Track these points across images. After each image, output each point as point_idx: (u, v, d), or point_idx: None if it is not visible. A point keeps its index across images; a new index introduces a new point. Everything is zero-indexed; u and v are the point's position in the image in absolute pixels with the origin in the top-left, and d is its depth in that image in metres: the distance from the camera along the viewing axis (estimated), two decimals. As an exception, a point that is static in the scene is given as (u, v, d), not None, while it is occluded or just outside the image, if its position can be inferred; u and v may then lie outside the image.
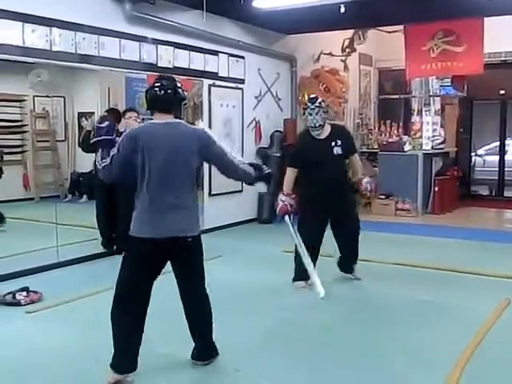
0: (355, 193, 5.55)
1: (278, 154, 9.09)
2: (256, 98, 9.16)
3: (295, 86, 9.98)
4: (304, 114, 5.34)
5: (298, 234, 4.93)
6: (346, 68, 11.29)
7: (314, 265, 4.96)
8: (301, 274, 5.23)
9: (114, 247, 6.63)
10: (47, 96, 9.07)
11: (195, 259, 3.51)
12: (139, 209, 3.34)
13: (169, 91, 3.38)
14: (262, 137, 9.27)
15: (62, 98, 9.34)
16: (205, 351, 3.64)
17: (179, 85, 3.46)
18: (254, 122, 9.14)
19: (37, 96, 8.99)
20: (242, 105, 8.82)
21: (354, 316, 4.71)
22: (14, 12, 5.59)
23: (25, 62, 6.06)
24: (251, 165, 3.70)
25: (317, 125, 5.24)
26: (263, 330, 4.32)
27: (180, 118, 3.46)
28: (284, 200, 5.13)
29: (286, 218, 5.02)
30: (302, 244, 4.87)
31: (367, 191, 5.62)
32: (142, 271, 3.34)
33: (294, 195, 5.26)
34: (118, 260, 3.43)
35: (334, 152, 5.27)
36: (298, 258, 5.21)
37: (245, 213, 8.88)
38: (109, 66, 6.68)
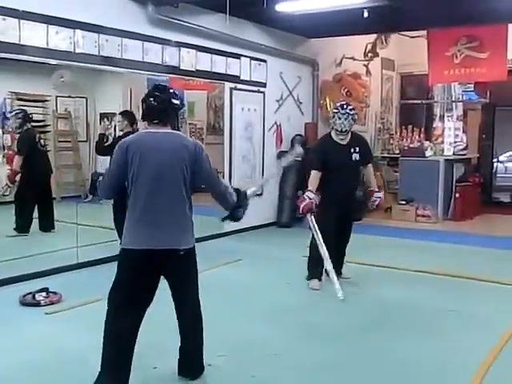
0: (363, 201, 5.66)
1: (299, 158, 9.05)
2: (277, 101, 9.15)
3: (317, 89, 9.96)
4: (333, 117, 5.40)
5: (319, 233, 5.19)
6: (368, 72, 11.25)
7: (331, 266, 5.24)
8: (315, 273, 5.46)
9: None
10: (70, 96, 9.17)
11: (187, 273, 3.39)
12: (130, 221, 3.30)
13: (164, 102, 3.30)
14: (283, 140, 9.26)
15: (85, 99, 9.43)
16: (190, 367, 3.50)
17: (175, 94, 3.40)
18: (275, 126, 9.13)
19: (59, 96, 9.08)
20: (263, 108, 8.82)
21: (371, 323, 4.66)
22: (38, 14, 5.63)
23: (48, 63, 6.10)
24: (235, 190, 3.55)
25: (343, 130, 5.37)
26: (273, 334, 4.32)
27: (177, 129, 3.41)
28: (311, 198, 5.26)
29: (308, 215, 5.25)
30: (323, 243, 5.14)
31: (374, 204, 5.66)
32: (134, 284, 3.25)
33: (318, 194, 5.37)
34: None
35: (353, 158, 5.45)
36: (312, 256, 5.50)
37: (265, 216, 8.86)
38: (131, 68, 6.70)
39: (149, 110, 3.34)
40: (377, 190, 5.77)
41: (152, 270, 3.27)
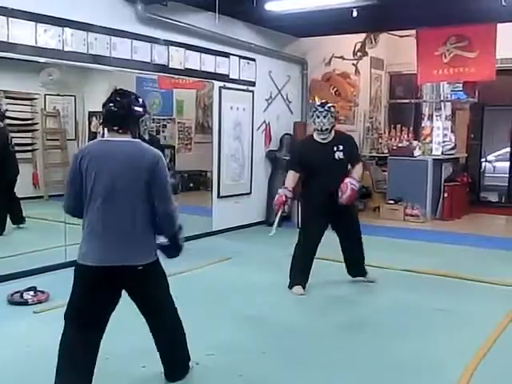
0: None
1: (288, 157, 9.06)
2: (266, 100, 9.15)
3: (306, 88, 9.96)
4: (313, 115, 5.37)
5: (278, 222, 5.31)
6: (357, 72, 11.28)
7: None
8: (298, 280, 5.38)
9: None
10: (58, 95, 9.11)
11: (150, 288, 3.17)
12: (83, 234, 3.10)
13: (124, 108, 3.09)
14: (272, 139, 9.26)
15: (73, 97, 9.35)
16: (174, 372, 3.44)
17: (137, 100, 3.18)
18: (263, 125, 9.13)
19: (48, 95, 9.01)
20: (252, 107, 8.81)
21: (359, 323, 4.69)
22: (26, 12, 5.61)
23: (37, 62, 6.07)
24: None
25: (323, 128, 5.29)
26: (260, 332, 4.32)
27: (138, 136, 3.18)
28: (281, 192, 5.32)
29: (281, 210, 5.32)
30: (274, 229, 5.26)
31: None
32: (89, 301, 3.10)
33: (292, 190, 5.37)
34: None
35: (336, 157, 5.34)
36: (294, 264, 5.43)
37: (253, 215, 8.86)
38: (120, 66, 6.70)
39: (108, 116, 3.13)
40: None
41: (107, 287, 3.08)
